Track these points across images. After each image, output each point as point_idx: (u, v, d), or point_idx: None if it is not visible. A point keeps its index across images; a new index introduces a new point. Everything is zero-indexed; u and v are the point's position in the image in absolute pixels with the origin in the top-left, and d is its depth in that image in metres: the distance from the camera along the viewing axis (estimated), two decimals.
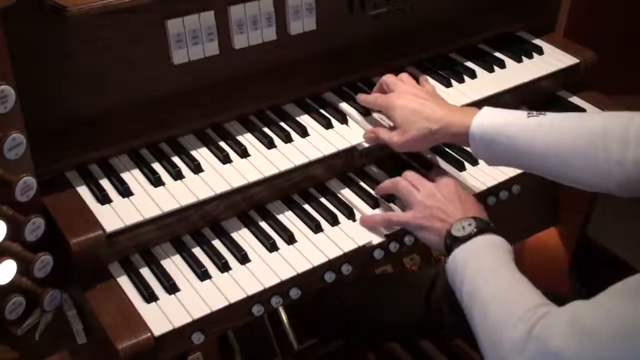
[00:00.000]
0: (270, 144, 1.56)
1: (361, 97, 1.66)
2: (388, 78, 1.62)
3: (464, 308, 1.26)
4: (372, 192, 1.56)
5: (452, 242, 1.33)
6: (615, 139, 1.28)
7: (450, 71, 1.83)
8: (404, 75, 1.63)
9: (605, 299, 1.04)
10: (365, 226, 1.49)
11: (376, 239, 1.46)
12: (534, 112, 1.41)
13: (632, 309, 0.99)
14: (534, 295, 1.18)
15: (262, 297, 1.35)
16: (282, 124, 1.62)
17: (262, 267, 1.38)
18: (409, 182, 1.48)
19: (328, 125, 1.62)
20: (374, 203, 1.53)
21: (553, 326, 1.07)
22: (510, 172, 1.63)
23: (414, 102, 1.52)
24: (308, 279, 1.40)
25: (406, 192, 1.47)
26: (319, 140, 1.58)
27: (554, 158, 1.35)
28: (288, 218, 1.50)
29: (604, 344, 1.00)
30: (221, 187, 1.45)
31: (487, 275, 1.25)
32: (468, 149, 1.48)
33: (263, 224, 1.48)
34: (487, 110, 1.44)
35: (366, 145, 1.60)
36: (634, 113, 1.31)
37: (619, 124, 1.30)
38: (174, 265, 1.39)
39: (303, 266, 1.39)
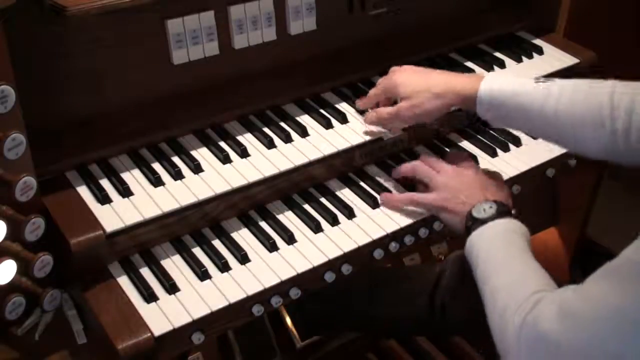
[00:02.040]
0: (270, 144, 1.56)
1: (360, 102, 1.66)
2: (377, 84, 1.62)
3: (479, 289, 1.28)
4: (372, 192, 1.56)
5: (472, 223, 1.35)
6: (621, 108, 1.29)
7: (450, 71, 1.82)
8: (395, 67, 1.63)
9: (588, 282, 1.06)
10: (387, 206, 1.50)
11: (377, 235, 1.46)
12: (542, 79, 1.43)
13: (610, 291, 1.00)
14: (538, 281, 1.19)
15: (262, 297, 1.35)
16: (282, 124, 1.62)
17: (262, 267, 1.38)
18: (428, 164, 1.51)
19: (328, 125, 1.62)
20: (374, 203, 1.53)
21: (544, 311, 1.09)
22: (510, 172, 1.63)
23: (415, 74, 1.53)
24: (308, 279, 1.40)
25: (427, 174, 1.49)
26: (319, 140, 1.58)
27: (562, 126, 1.36)
28: (288, 218, 1.50)
29: (586, 325, 1.02)
30: (221, 187, 1.45)
31: (499, 262, 1.27)
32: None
33: (263, 224, 1.48)
34: (493, 75, 1.46)
35: (367, 139, 1.59)
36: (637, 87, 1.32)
37: (626, 93, 1.31)
38: (174, 265, 1.39)
39: (303, 266, 1.39)
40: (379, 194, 1.55)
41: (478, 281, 1.29)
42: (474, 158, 1.65)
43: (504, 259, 1.27)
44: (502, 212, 1.35)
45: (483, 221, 1.34)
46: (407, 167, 1.54)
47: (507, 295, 1.18)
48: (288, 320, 1.90)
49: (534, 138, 1.69)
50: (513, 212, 1.38)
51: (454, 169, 1.49)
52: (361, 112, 1.67)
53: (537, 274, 1.22)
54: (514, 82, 1.43)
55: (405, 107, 1.51)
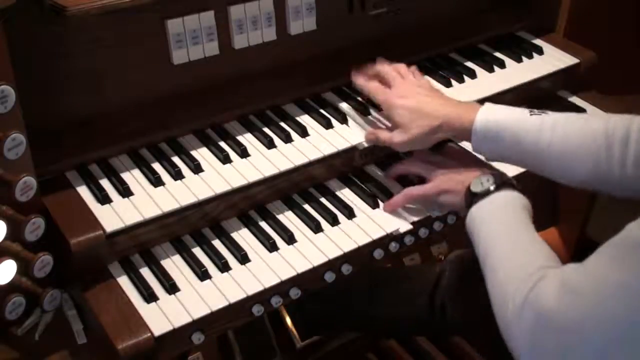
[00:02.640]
0: (270, 144, 1.56)
1: (358, 80, 1.64)
2: (383, 68, 1.62)
3: (480, 266, 1.27)
4: (372, 192, 1.56)
5: (472, 198, 1.35)
6: (616, 139, 1.29)
7: (450, 71, 1.83)
8: (402, 68, 1.62)
9: (591, 258, 1.06)
10: (388, 211, 1.51)
11: (377, 235, 1.46)
12: (536, 111, 1.42)
13: (612, 266, 1.01)
14: (541, 257, 1.19)
15: (262, 297, 1.35)
16: (282, 124, 1.62)
17: (262, 267, 1.38)
18: (423, 159, 1.52)
19: (328, 125, 1.62)
20: (374, 203, 1.53)
21: (546, 287, 1.09)
22: (511, 172, 1.63)
23: (413, 100, 1.51)
24: (308, 279, 1.40)
25: (423, 168, 1.51)
26: (319, 140, 1.58)
27: (557, 158, 1.36)
28: (288, 218, 1.50)
29: (588, 301, 1.02)
30: (221, 187, 1.45)
31: (499, 237, 1.27)
32: (467, 144, 1.48)
33: (263, 224, 1.48)
34: (489, 106, 1.45)
35: (366, 145, 1.60)
36: (634, 116, 1.31)
37: (621, 124, 1.31)
38: (174, 265, 1.40)
39: (303, 266, 1.39)
40: (379, 194, 1.55)
41: (479, 256, 1.28)
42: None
43: (505, 233, 1.27)
44: (501, 183, 1.35)
45: (482, 195, 1.34)
46: (400, 167, 1.56)
47: (509, 271, 1.18)
48: (288, 320, 1.90)
49: None
50: (511, 180, 1.38)
51: (447, 158, 1.51)
52: (361, 112, 1.67)
53: (539, 249, 1.22)
54: (509, 113, 1.42)
55: (398, 140, 1.50)
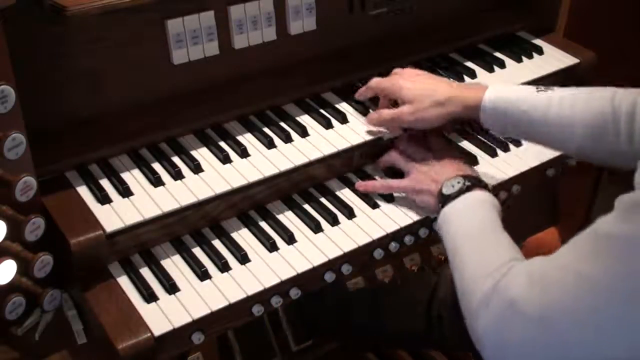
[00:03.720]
0: (270, 144, 1.56)
1: (358, 92, 1.66)
2: (380, 82, 1.61)
3: (450, 264, 1.29)
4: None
5: (444, 200, 1.38)
6: (622, 111, 1.31)
7: (450, 71, 1.83)
8: (397, 70, 1.63)
9: (560, 252, 1.07)
10: (361, 190, 1.53)
11: (377, 235, 1.46)
12: (542, 87, 1.44)
13: (578, 259, 1.01)
14: (508, 251, 1.21)
15: (262, 297, 1.35)
16: (282, 124, 1.62)
17: (262, 267, 1.38)
18: (403, 150, 1.56)
19: (328, 125, 1.62)
20: (373, 203, 1.53)
21: (514, 278, 1.10)
22: (511, 172, 1.63)
23: (421, 81, 1.54)
24: (308, 279, 1.40)
25: (402, 161, 1.54)
26: (319, 140, 1.58)
27: (565, 131, 1.38)
28: (288, 218, 1.50)
29: (554, 290, 1.02)
30: (221, 187, 1.45)
31: (467, 234, 1.29)
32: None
33: (263, 224, 1.48)
34: (496, 85, 1.47)
35: (367, 139, 1.59)
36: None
37: (627, 98, 1.32)
38: (174, 265, 1.39)
39: (303, 266, 1.39)
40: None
41: (448, 253, 1.30)
42: (473, 158, 1.65)
43: (473, 230, 1.29)
44: (470, 185, 1.37)
45: (453, 197, 1.36)
46: (386, 158, 1.59)
47: (477, 264, 1.19)
48: (288, 321, 1.90)
49: None
50: (481, 181, 1.40)
51: (427, 152, 1.53)
52: (361, 112, 1.67)
53: (507, 245, 1.24)
54: (516, 90, 1.45)
55: (408, 111, 1.52)
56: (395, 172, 1.59)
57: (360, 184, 1.55)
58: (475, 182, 1.39)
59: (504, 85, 1.48)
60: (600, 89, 1.37)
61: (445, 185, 1.40)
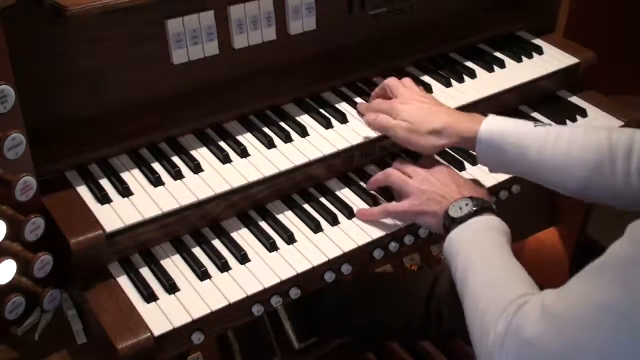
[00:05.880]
0: (270, 144, 1.56)
1: (363, 106, 1.65)
2: (391, 82, 1.62)
3: (458, 292, 1.26)
4: (372, 192, 1.56)
5: (450, 223, 1.33)
6: (620, 150, 1.30)
7: (450, 71, 1.83)
8: (407, 81, 1.63)
9: (571, 283, 1.04)
10: (362, 219, 1.49)
11: (376, 235, 1.46)
12: (540, 123, 1.42)
13: (593, 289, 0.98)
14: (521, 285, 1.17)
15: (262, 297, 1.35)
16: (282, 124, 1.62)
17: (262, 267, 1.38)
18: (400, 171, 1.49)
19: (328, 125, 1.62)
20: (374, 203, 1.53)
21: (528, 316, 1.07)
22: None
23: (419, 106, 1.51)
24: (308, 279, 1.40)
25: (400, 181, 1.47)
26: (319, 140, 1.58)
27: (563, 169, 1.36)
28: (288, 218, 1.50)
29: (570, 326, 1.00)
30: (221, 187, 1.45)
31: (478, 264, 1.25)
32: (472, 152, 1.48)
33: (263, 224, 1.48)
34: (494, 117, 1.44)
35: (367, 139, 1.59)
36: (636, 130, 1.32)
37: (624, 135, 1.31)
38: (174, 265, 1.39)
39: (303, 266, 1.39)
40: (379, 194, 1.55)
41: (457, 282, 1.27)
42: (473, 157, 1.64)
43: (485, 259, 1.25)
44: (480, 209, 1.33)
45: (461, 220, 1.32)
46: (379, 178, 1.52)
47: (489, 298, 1.16)
48: (288, 321, 1.90)
49: None
50: (491, 205, 1.36)
51: (427, 172, 1.46)
52: (361, 113, 1.67)
53: (519, 276, 1.20)
54: (514, 124, 1.42)
55: (404, 127, 1.49)
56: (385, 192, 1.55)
57: (359, 213, 1.49)
58: (484, 206, 1.34)
59: (502, 118, 1.43)
60: (597, 129, 1.36)
61: (452, 207, 1.35)
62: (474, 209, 1.33)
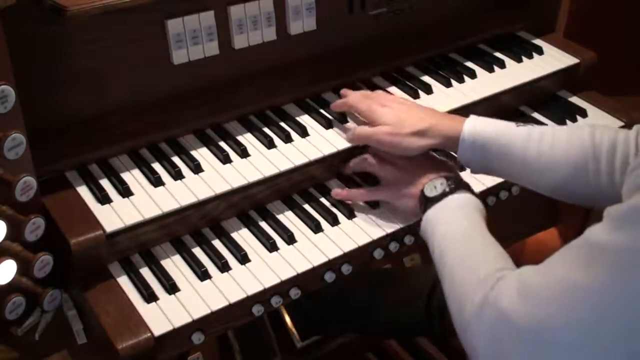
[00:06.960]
0: (270, 144, 1.56)
1: (336, 103, 1.62)
2: (356, 98, 1.58)
3: (436, 269, 1.27)
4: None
5: (426, 202, 1.35)
6: (603, 150, 1.30)
7: (450, 71, 1.83)
8: (368, 92, 1.61)
9: (551, 261, 1.05)
10: (340, 197, 1.50)
11: (377, 235, 1.46)
12: (521, 123, 1.42)
13: (569, 269, 0.99)
14: (497, 259, 1.18)
15: (262, 297, 1.35)
16: (282, 124, 1.62)
17: (262, 267, 1.38)
18: (379, 158, 1.51)
19: (328, 125, 1.62)
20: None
21: (505, 289, 1.07)
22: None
23: (398, 107, 1.51)
24: (308, 279, 1.40)
25: (377, 166, 1.50)
26: (319, 140, 1.58)
27: (546, 170, 1.35)
28: (288, 218, 1.50)
29: (545, 302, 1.00)
30: (221, 187, 1.45)
31: (454, 240, 1.26)
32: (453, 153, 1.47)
33: (263, 224, 1.48)
34: (476, 117, 1.44)
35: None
36: (619, 129, 1.33)
37: (607, 135, 1.31)
38: (174, 265, 1.40)
39: (303, 266, 1.39)
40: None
41: (434, 259, 1.28)
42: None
43: (460, 235, 1.26)
44: (454, 186, 1.34)
45: (436, 199, 1.33)
46: (356, 162, 1.54)
47: (467, 271, 1.17)
48: (288, 321, 1.90)
49: None
50: (465, 182, 1.37)
51: (405, 157, 1.47)
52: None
53: (496, 251, 1.21)
54: (496, 124, 1.41)
55: (386, 131, 1.47)
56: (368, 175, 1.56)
57: (337, 192, 1.51)
58: (458, 183, 1.36)
59: (485, 119, 1.43)
60: (578, 127, 1.36)
61: (427, 187, 1.36)
62: (449, 187, 1.34)
